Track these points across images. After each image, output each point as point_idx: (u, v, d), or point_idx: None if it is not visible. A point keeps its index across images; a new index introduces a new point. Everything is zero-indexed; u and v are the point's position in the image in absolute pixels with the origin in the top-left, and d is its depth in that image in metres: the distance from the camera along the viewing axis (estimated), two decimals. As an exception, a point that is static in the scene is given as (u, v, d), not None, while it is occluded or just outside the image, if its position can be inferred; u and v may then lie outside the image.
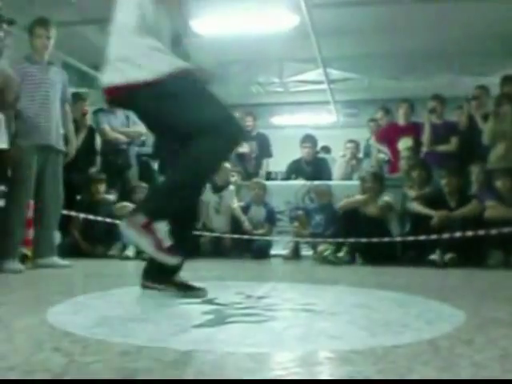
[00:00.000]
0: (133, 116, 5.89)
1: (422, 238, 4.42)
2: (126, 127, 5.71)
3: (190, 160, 2.11)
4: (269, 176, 6.99)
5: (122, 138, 5.64)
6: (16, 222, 3.68)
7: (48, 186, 3.85)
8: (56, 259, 3.90)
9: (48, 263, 3.80)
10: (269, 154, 6.57)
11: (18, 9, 3.17)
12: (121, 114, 5.73)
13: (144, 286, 2.29)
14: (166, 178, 2.33)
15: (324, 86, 8.81)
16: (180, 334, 1.55)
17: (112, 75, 2.15)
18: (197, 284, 2.30)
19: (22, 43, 5.17)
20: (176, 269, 2.26)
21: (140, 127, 5.86)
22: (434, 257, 4.41)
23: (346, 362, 1.26)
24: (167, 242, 2.07)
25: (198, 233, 5.28)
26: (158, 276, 2.26)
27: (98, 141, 5.79)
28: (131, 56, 2.13)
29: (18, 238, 3.69)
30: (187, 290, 2.24)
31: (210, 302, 2.14)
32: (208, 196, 5.50)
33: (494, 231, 4.23)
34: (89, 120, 5.73)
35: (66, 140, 4.14)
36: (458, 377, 1.12)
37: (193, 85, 2.13)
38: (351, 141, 6.59)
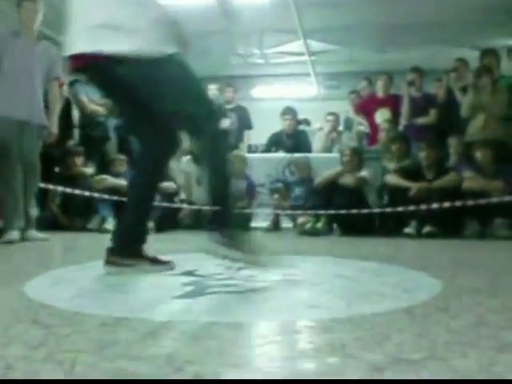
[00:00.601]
0: None
1: (400, 209, 4.46)
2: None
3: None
4: (249, 148, 6.96)
5: (101, 110, 5.55)
6: (8, 194, 3.71)
7: (24, 159, 3.79)
8: (34, 232, 3.88)
9: (25, 236, 3.77)
10: (249, 126, 6.54)
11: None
12: None
13: (110, 263, 2.14)
14: None
15: (305, 58, 8.74)
16: (159, 305, 1.55)
17: (91, 42, 2.02)
18: (164, 257, 2.28)
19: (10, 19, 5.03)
20: (143, 242, 2.23)
21: None
22: (408, 230, 4.46)
23: (324, 330, 1.28)
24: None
25: (177, 205, 5.27)
26: (127, 251, 2.18)
27: (75, 113, 5.68)
28: (124, 25, 2.01)
29: (15, 210, 3.70)
30: (156, 263, 2.20)
31: (190, 273, 2.14)
32: (190, 167, 5.47)
33: (470, 202, 4.28)
34: (65, 92, 5.60)
35: None
36: (434, 343, 1.14)
37: (180, 69, 2.11)
38: (331, 113, 6.58)
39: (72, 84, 5.79)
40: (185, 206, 5.29)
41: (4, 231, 3.70)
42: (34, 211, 3.97)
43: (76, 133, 5.72)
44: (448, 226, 4.44)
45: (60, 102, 5.10)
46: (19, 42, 3.77)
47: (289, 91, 10.22)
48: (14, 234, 3.65)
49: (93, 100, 5.54)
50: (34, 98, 3.81)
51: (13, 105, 3.70)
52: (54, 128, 4.07)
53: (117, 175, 5.21)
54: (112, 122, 5.72)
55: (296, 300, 1.67)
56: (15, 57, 3.72)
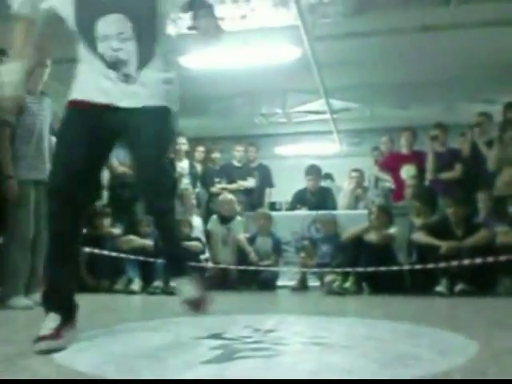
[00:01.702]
0: None
1: (431, 266, 4.37)
2: None
3: None
4: (273, 206, 6.99)
5: (129, 171, 5.69)
6: (19, 258, 3.61)
7: (41, 222, 3.66)
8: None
9: (38, 300, 3.67)
10: (270, 184, 6.60)
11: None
12: None
13: None
14: None
15: (327, 116, 8.88)
16: (188, 371, 1.52)
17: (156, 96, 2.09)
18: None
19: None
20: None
21: None
22: (440, 288, 4.34)
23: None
24: None
25: (203, 265, 5.26)
26: None
27: (104, 174, 5.82)
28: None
29: (22, 274, 3.62)
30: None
31: (218, 336, 2.11)
32: (216, 228, 5.49)
33: (503, 258, 4.17)
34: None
35: None
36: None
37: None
38: (356, 170, 6.60)
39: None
40: (210, 264, 5.28)
41: (8, 296, 3.54)
42: None
43: (104, 194, 5.83)
44: (480, 283, 4.32)
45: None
46: (30, 99, 3.68)
47: (311, 149, 10.34)
48: (24, 300, 3.53)
49: (122, 162, 5.70)
50: (46, 155, 3.76)
51: (31, 165, 3.68)
52: None
53: (143, 235, 5.25)
54: None
55: (327, 364, 1.62)
56: (29, 114, 3.69)
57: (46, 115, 3.81)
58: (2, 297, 3.58)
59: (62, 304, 2.03)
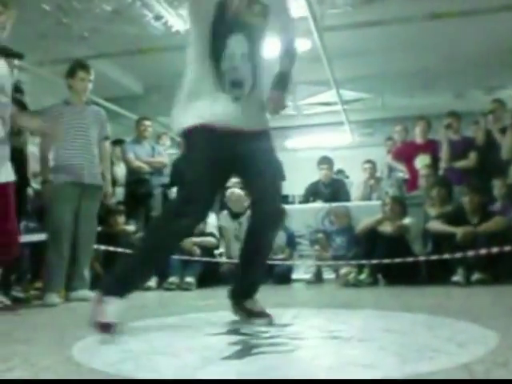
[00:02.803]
0: (158, 147, 6.06)
1: (446, 256, 4.33)
2: (151, 157, 5.83)
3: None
4: (286, 199, 6.97)
5: (145, 167, 5.76)
6: (55, 257, 3.80)
7: (82, 222, 3.95)
8: (87, 292, 3.93)
9: (79, 296, 3.85)
10: (282, 177, 6.56)
11: (31, 44, 3.18)
12: (147, 144, 5.89)
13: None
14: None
15: (338, 107, 8.83)
16: (208, 367, 1.52)
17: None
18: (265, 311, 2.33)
19: (36, 78, 5.26)
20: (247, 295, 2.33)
21: (164, 158, 6.01)
22: (456, 278, 4.30)
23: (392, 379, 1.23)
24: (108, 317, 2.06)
25: (217, 260, 5.27)
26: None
27: (118, 171, 5.86)
28: None
29: (56, 272, 3.79)
30: (255, 316, 2.29)
31: (236, 331, 2.11)
32: (227, 223, 5.49)
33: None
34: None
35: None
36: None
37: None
38: (368, 161, 6.56)
39: (116, 143, 6.03)
40: (225, 260, 5.28)
41: (44, 293, 3.76)
42: (87, 272, 4.05)
43: (118, 191, 5.86)
44: (498, 272, 4.28)
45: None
46: (72, 110, 3.94)
47: (323, 140, 10.30)
48: (55, 298, 3.69)
49: (139, 158, 5.76)
50: (90, 159, 3.98)
51: (71, 168, 3.87)
52: (109, 188, 4.27)
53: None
54: (157, 180, 5.89)
55: (347, 358, 1.61)
56: (70, 124, 3.89)
57: (90, 123, 4.00)
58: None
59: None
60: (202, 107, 2.06)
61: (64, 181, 3.86)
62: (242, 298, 2.36)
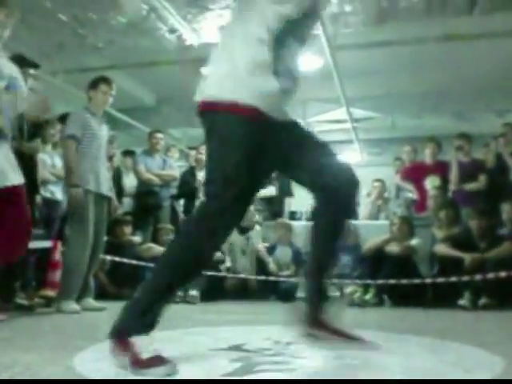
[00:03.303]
0: (169, 160, 6.11)
1: (454, 279, 4.29)
2: (162, 170, 5.87)
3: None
4: (293, 216, 6.95)
5: (155, 179, 5.80)
6: (77, 264, 3.81)
7: (97, 233, 3.97)
8: (91, 301, 3.98)
9: (84, 306, 3.86)
10: (290, 194, 6.57)
11: (46, 54, 3.20)
12: (158, 157, 5.94)
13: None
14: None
15: (348, 125, 8.84)
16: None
17: None
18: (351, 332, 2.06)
19: (49, 86, 5.31)
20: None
21: (175, 171, 6.05)
22: (463, 302, 4.25)
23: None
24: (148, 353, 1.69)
25: (223, 275, 5.25)
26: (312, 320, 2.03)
27: (127, 182, 5.89)
28: None
29: (75, 280, 3.80)
30: (346, 337, 2.00)
31: (238, 348, 2.09)
32: (234, 237, 5.48)
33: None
34: (115, 162, 5.85)
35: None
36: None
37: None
38: (378, 180, 6.55)
39: (126, 154, 6.08)
40: (230, 275, 5.26)
41: (60, 300, 3.75)
42: (92, 281, 4.09)
43: (126, 201, 5.88)
44: (505, 297, 4.22)
45: (110, 173, 5.32)
46: (95, 121, 4.01)
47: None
48: (74, 306, 3.73)
49: (149, 170, 5.81)
50: (105, 171, 4.07)
51: (92, 177, 3.91)
52: (116, 201, 4.34)
53: (163, 244, 5.27)
54: (166, 192, 5.92)
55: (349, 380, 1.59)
56: (95, 134, 3.96)
57: (104, 137, 4.08)
58: (55, 300, 3.83)
59: None
60: (258, 88, 1.75)
61: (88, 189, 3.89)
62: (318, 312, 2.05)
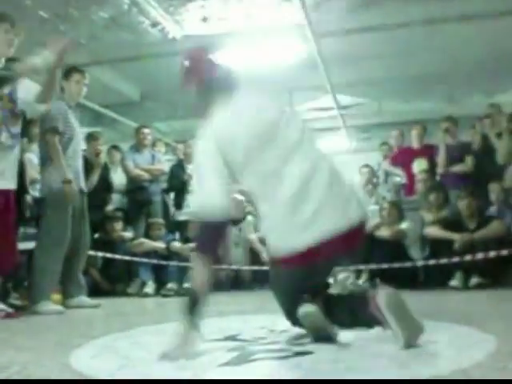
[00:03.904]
0: (158, 155, 6.08)
1: (444, 260, 4.33)
2: (151, 165, 5.85)
3: None
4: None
5: (144, 174, 5.77)
6: (48, 263, 3.64)
7: (77, 227, 3.84)
8: (85, 299, 3.92)
9: (78, 303, 3.81)
10: None
11: (29, 52, 3.18)
12: (147, 152, 5.92)
13: None
14: None
15: (335, 113, 8.85)
16: (205, 374, 1.52)
17: None
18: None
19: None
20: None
21: (163, 165, 6.03)
22: (454, 282, 4.30)
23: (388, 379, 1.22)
24: None
25: (216, 266, 5.26)
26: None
27: (115, 178, 5.86)
28: None
29: (50, 279, 3.65)
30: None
31: (233, 338, 2.11)
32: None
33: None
34: (103, 158, 5.81)
35: None
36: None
37: None
38: (366, 165, 6.57)
39: (112, 149, 6.05)
40: (224, 266, 5.27)
41: (36, 301, 3.55)
42: (82, 277, 4.03)
43: (115, 197, 5.86)
44: (495, 276, 4.28)
45: (98, 170, 5.29)
46: (71, 114, 3.90)
47: (320, 146, 10.29)
48: (52, 305, 3.59)
49: (138, 165, 5.78)
50: (81, 166, 3.95)
51: (74, 173, 3.81)
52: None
53: (155, 239, 5.27)
54: (156, 187, 5.90)
55: (345, 364, 1.61)
56: (72, 126, 3.85)
57: (79, 129, 3.97)
58: (29, 301, 3.65)
59: None
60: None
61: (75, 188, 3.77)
62: None
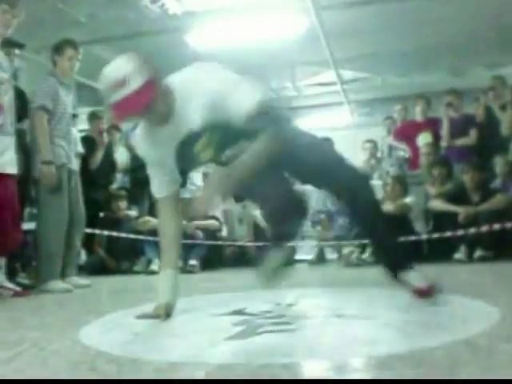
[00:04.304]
0: None
1: (448, 234, 4.35)
2: None
3: None
4: (288, 181, 6.96)
5: None
6: (53, 243, 3.63)
7: (71, 206, 3.78)
8: (76, 279, 3.82)
9: (73, 283, 3.72)
10: None
11: (28, 31, 3.12)
12: None
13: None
14: None
15: (337, 88, 8.78)
16: (212, 348, 1.54)
17: None
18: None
19: (33, 65, 5.22)
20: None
21: None
22: (458, 255, 4.32)
23: (384, 367, 1.24)
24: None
25: (221, 243, 5.29)
26: None
27: (118, 157, 5.86)
28: None
29: (57, 258, 3.64)
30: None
31: (240, 312, 2.13)
32: (231, 206, 5.50)
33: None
34: (106, 137, 5.80)
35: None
36: (503, 376, 1.09)
37: None
38: (369, 140, 6.54)
39: (111, 129, 6.02)
40: (229, 243, 5.31)
41: (45, 280, 3.58)
42: (78, 258, 3.99)
43: (119, 176, 5.86)
44: (500, 248, 4.29)
45: (101, 149, 5.26)
46: (63, 90, 3.74)
47: (323, 121, 10.24)
48: (60, 284, 3.59)
49: None
50: (72, 144, 3.83)
51: (65, 151, 3.71)
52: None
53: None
54: None
55: (351, 336, 1.63)
56: (63, 103, 3.72)
57: (71, 106, 3.81)
58: (38, 281, 3.64)
59: None
60: None
61: (62, 163, 3.68)
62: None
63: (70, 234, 3.77)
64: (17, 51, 3.82)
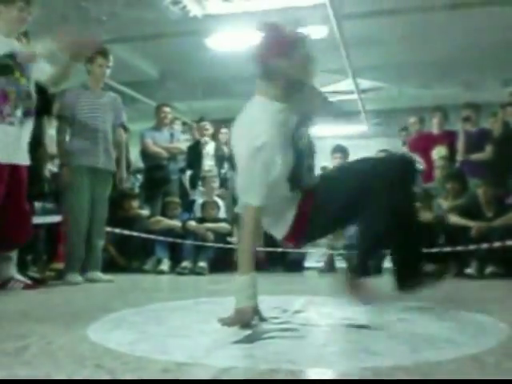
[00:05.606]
0: (177, 133, 6.12)
1: (460, 248, 4.32)
2: (170, 144, 5.88)
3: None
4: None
5: (162, 152, 5.81)
6: (74, 240, 3.94)
7: (96, 206, 4.05)
8: (100, 274, 4.07)
9: (92, 278, 3.98)
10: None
11: (49, 27, 3.19)
12: (166, 131, 5.96)
13: None
14: None
15: (354, 96, 8.77)
16: (219, 351, 1.54)
17: None
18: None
19: (55, 61, 5.30)
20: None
21: (182, 144, 6.08)
22: (469, 270, 4.29)
23: (389, 378, 1.24)
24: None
25: (230, 247, 5.30)
26: None
27: (132, 157, 5.90)
28: None
29: (76, 254, 3.94)
30: None
31: (247, 316, 2.12)
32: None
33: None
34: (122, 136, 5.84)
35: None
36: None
37: None
38: (383, 150, 6.51)
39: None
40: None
41: (65, 273, 3.90)
42: (100, 254, 4.13)
43: (130, 176, 5.91)
44: (511, 265, 4.25)
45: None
46: (89, 95, 4.06)
47: (338, 129, 10.23)
48: (77, 277, 3.88)
49: (157, 143, 5.82)
50: (105, 145, 4.07)
51: (86, 153, 3.98)
52: (124, 173, 4.38)
53: (172, 217, 5.32)
54: (174, 165, 5.94)
55: (357, 345, 1.63)
56: (86, 108, 4.02)
57: (106, 109, 4.12)
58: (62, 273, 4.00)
59: None
60: None
61: (79, 165, 3.97)
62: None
63: (91, 231, 4.04)
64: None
